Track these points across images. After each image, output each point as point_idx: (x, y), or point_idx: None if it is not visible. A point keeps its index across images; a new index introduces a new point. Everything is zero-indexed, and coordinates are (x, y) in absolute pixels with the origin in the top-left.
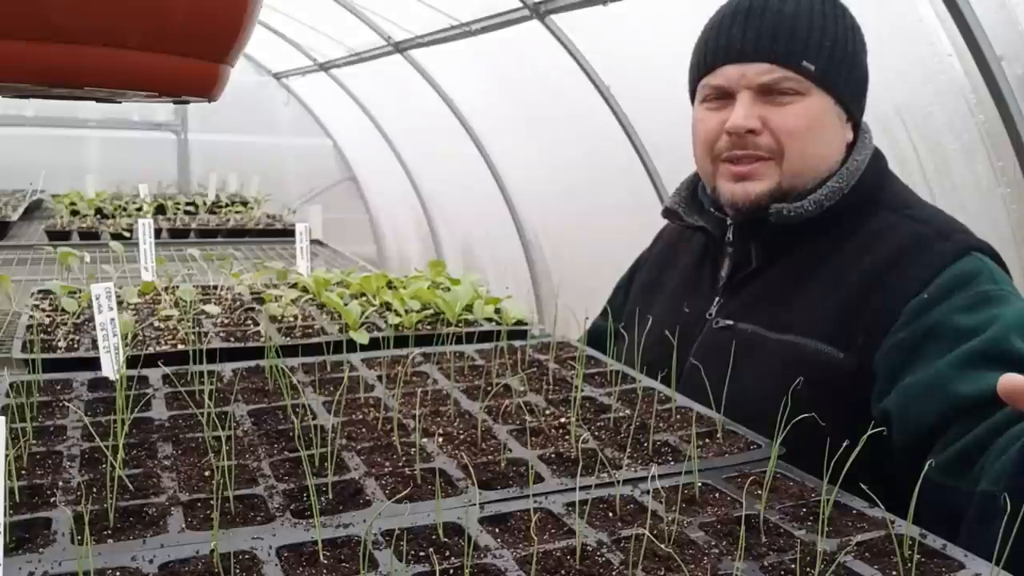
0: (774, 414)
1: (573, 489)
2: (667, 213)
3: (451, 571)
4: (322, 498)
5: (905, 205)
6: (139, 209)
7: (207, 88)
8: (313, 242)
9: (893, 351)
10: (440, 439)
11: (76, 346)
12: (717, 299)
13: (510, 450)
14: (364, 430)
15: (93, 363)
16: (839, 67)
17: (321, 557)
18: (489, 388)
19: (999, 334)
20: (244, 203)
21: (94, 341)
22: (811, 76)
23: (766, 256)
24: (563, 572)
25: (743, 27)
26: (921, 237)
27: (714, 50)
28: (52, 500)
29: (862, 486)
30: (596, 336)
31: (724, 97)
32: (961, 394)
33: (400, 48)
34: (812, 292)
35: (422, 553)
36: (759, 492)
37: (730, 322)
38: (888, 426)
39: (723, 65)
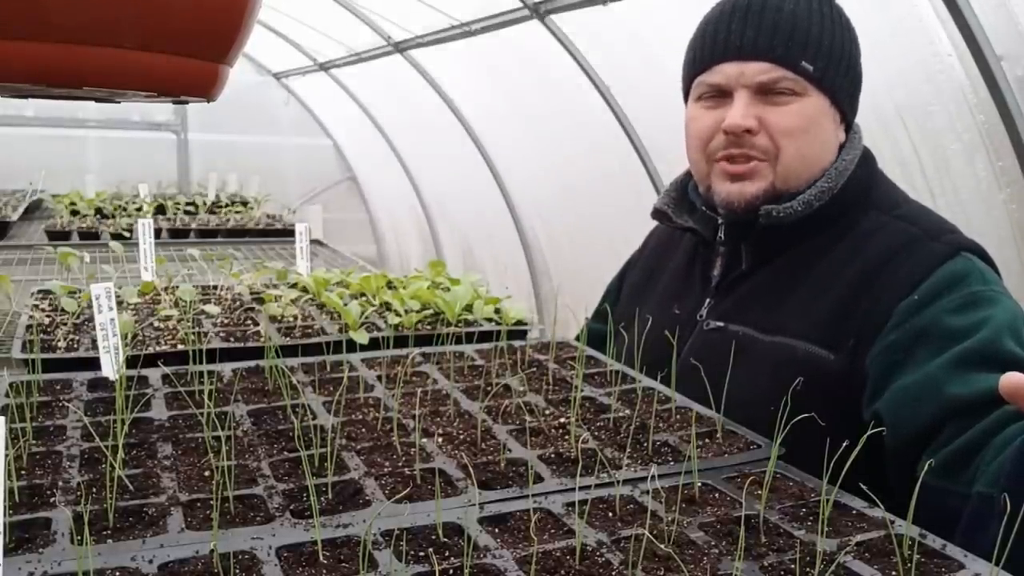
0: (766, 416)
1: (573, 489)
2: (656, 214)
3: (451, 571)
4: (322, 498)
5: (895, 205)
6: (139, 209)
7: (206, 88)
8: (313, 242)
9: (884, 353)
10: (440, 439)
11: (76, 346)
12: (708, 300)
13: (510, 450)
14: (364, 430)
15: (93, 363)
16: (836, 68)
17: (321, 557)
18: (489, 388)
19: (991, 335)
20: (244, 203)
21: (94, 341)
22: (809, 77)
23: (757, 257)
24: (563, 572)
25: (742, 24)
26: (911, 238)
27: (711, 47)
28: (52, 500)
29: (862, 487)
30: (588, 339)
31: (720, 95)
32: (954, 396)
33: (400, 48)
34: (803, 294)
35: (422, 553)
36: (759, 492)
37: (721, 323)
38: (881, 428)
39: (720, 62)
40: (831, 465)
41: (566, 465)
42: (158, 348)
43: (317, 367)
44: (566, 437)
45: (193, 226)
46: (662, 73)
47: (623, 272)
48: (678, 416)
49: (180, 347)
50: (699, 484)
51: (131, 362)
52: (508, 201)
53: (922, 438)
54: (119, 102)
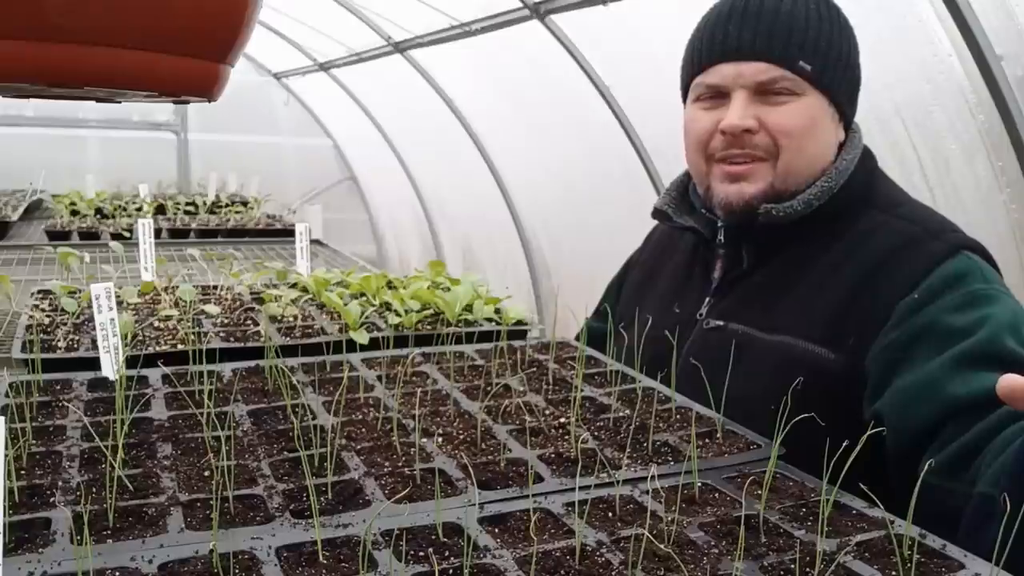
0: (765, 415)
1: (573, 489)
2: (657, 214)
3: (450, 571)
4: (322, 498)
5: (895, 204)
6: (139, 209)
7: (207, 88)
8: (313, 242)
9: (885, 352)
10: (440, 439)
11: (76, 346)
12: (708, 300)
13: (510, 450)
14: (364, 430)
15: (93, 363)
16: (834, 68)
17: (321, 557)
18: (489, 388)
19: (991, 334)
20: (244, 203)
21: (94, 341)
22: (807, 76)
23: (757, 257)
24: (563, 572)
25: (739, 25)
26: (911, 237)
27: (709, 48)
28: (52, 500)
29: (862, 487)
30: (588, 339)
31: (718, 96)
32: (955, 395)
33: (400, 48)
34: (803, 293)
35: (421, 553)
36: (759, 492)
37: (720, 323)
38: (881, 428)
39: (718, 63)
40: (831, 465)
41: (566, 465)
42: (158, 348)
43: (317, 367)
44: (566, 437)
45: (193, 226)
46: (662, 73)
47: (623, 271)
48: (678, 416)
49: (180, 347)
50: (699, 484)
51: (131, 362)
52: (508, 201)
53: (923, 438)
54: (120, 102)
